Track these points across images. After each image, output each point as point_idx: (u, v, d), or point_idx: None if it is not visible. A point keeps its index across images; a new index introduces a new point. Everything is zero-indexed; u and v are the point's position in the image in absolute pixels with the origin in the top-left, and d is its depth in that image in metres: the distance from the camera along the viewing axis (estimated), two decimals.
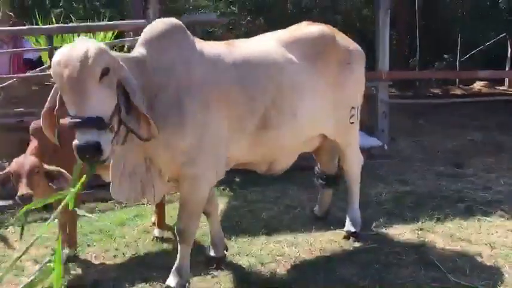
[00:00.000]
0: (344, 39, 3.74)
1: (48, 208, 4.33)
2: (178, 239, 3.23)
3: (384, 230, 4.13)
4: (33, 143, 3.58)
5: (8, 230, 4.41)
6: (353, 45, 3.80)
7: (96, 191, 4.80)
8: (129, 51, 7.72)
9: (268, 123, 3.27)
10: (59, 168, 3.34)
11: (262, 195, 5.03)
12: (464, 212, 4.45)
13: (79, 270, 3.61)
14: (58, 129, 2.82)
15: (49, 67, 6.15)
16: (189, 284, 3.27)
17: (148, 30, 3.05)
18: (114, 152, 2.74)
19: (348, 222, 4.02)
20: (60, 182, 3.33)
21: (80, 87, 2.48)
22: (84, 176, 2.36)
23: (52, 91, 2.76)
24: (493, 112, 8.96)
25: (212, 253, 3.63)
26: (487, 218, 4.29)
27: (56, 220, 3.83)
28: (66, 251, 3.75)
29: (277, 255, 3.72)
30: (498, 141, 7.19)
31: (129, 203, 3.09)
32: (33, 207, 2.29)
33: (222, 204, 4.67)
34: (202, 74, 3.04)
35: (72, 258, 3.73)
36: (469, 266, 3.46)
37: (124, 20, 9.25)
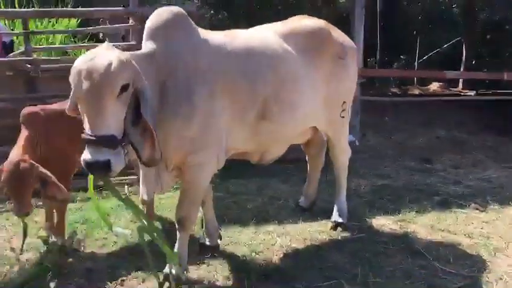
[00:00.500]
0: (339, 35, 3.84)
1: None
2: (178, 227, 3.24)
3: (368, 221, 4.28)
4: (24, 133, 3.46)
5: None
6: (347, 40, 3.90)
7: (76, 180, 4.68)
8: (103, 40, 7.60)
9: (268, 114, 3.32)
10: (52, 177, 3.19)
11: (244, 187, 5.07)
12: (441, 205, 4.67)
13: (70, 259, 3.54)
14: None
15: (23, 53, 5.97)
16: (187, 271, 3.28)
17: (154, 20, 3.03)
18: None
19: (335, 213, 4.13)
20: (51, 189, 3.21)
21: (97, 103, 2.45)
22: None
23: None
24: (450, 111, 9.35)
25: (206, 242, 3.65)
26: (462, 210, 4.52)
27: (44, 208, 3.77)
28: (55, 239, 3.67)
29: (270, 245, 3.79)
30: (460, 139, 7.55)
31: (149, 198, 3.06)
32: None
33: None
34: (208, 62, 3.06)
35: (61, 248, 3.65)
36: (452, 255, 3.65)
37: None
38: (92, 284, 3.24)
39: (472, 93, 11.94)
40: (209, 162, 3.11)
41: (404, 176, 5.65)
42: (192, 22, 3.15)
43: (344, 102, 3.87)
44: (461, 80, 13.35)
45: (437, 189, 5.13)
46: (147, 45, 2.95)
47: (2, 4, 8.85)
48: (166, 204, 4.52)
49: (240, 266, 3.45)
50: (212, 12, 15.14)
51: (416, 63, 14.90)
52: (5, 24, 7.27)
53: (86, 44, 6.64)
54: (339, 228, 4.06)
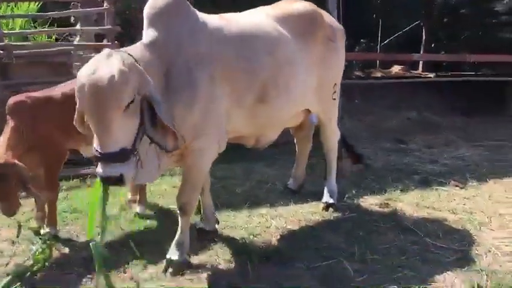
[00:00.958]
0: (328, 18, 3.88)
1: None
2: (179, 212, 3.22)
3: (356, 201, 4.39)
4: (10, 124, 3.35)
5: None
6: (335, 23, 3.96)
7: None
8: (74, 24, 7.35)
9: (265, 97, 3.33)
10: (29, 183, 3.15)
11: (231, 172, 5.09)
12: (422, 183, 4.85)
13: (65, 250, 3.48)
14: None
15: None
16: (189, 256, 3.29)
17: (152, 6, 2.98)
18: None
19: (325, 194, 4.22)
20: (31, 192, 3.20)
21: (103, 119, 2.42)
22: None
23: None
24: (415, 93, 9.59)
25: (205, 226, 3.66)
26: (443, 188, 4.70)
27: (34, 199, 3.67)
28: (47, 229, 3.59)
29: (266, 227, 3.84)
30: (430, 120, 7.81)
31: (150, 182, 3.03)
32: None
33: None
34: (207, 46, 3.04)
35: (54, 238, 3.57)
36: (440, 230, 3.80)
37: None
38: (93, 272, 3.19)
39: (432, 75, 12.33)
40: (210, 147, 3.11)
41: (382, 156, 5.82)
42: (190, 5, 3.12)
43: (335, 84, 3.94)
44: (421, 63, 13.75)
45: (415, 168, 5.32)
46: (149, 34, 2.91)
47: None
48: (156, 191, 4.48)
49: (240, 249, 3.48)
50: None
51: (378, 47, 15.18)
52: None
53: (63, 29, 6.39)
54: (331, 209, 4.15)
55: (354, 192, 4.55)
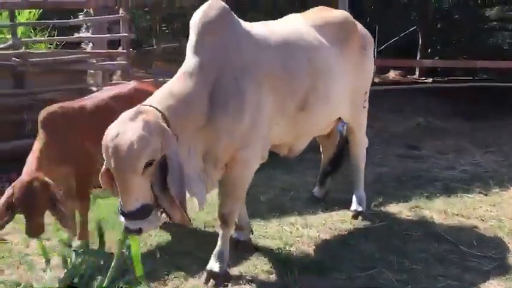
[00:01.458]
0: (360, 25, 3.87)
1: None
2: (220, 224, 3.17)
3: (383, 209, 4.37)
4: (42, 137, 3.23)
5: None
6: (365, 30, 3.95)
7: None
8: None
9: (306, 105, 3.31)
10: (60, 202, 3.03)
11: (253, 179, 5.01)
12: (445, 190, 4.83)
13: (100, 262, 3.38)
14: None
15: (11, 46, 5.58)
16: (229, 267, 3.23)
17: (200, 17, 2.95)
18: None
19: (354, 202, 4.19)
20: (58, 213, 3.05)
21: (123, 181, 2.55)
22: None
23: None
24: (415, 99, 9.63)
25: (239, 236, 3.60)
26: (468, 195, 4.70)
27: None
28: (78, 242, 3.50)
29: (298, 237, 3.80)
30: (436, 126, 7.83)
31: (204, 202, 2.97)
32: None
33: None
34: (253, 55, 3.01)
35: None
36: (474, 238, 3.79)
37: None
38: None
39: (429, 80, 12.44)
40: (255, 157, 3.08)
41: (398, 163, 5.80)
42: (234, 15, 3.08)
43: (366, 92, 3.92)
44: (417, 68, 13.85)
45: (435, 174, 5.31)
46: (192, 61, 2.89)
47: None
48: None
49: (277, 260, 3.43)
50: None
51: (375, 53, 15.23)
52: None
53: (81, 36, 6.31)
54: (360, 217, 4.11)
55: (380, 200, 4.52)
